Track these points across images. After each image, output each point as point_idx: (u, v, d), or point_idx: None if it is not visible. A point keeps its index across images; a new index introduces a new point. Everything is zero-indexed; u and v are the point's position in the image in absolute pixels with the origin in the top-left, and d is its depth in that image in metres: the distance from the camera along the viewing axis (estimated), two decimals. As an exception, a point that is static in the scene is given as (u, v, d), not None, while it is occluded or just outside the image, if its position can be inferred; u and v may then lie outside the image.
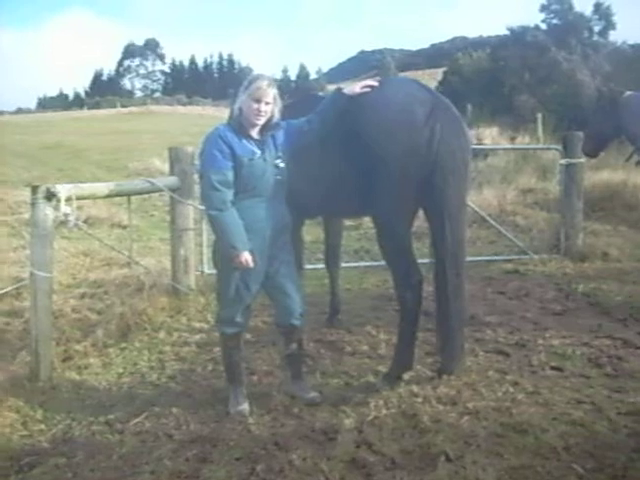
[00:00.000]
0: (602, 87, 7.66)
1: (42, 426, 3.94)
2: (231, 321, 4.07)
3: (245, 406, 4.02)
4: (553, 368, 4.63)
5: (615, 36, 40.78)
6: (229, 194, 3.81)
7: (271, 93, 3.88)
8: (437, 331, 4.44)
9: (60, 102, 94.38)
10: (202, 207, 7.36)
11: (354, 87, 4.25)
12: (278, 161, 4.00)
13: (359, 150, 4.12)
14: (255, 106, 3.83)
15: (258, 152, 3.90)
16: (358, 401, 4.07)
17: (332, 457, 3.40)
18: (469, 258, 4.41)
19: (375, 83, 4.27)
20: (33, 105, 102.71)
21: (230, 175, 3.80)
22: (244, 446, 3.58)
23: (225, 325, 4.10)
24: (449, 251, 4.19)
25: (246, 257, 3.81)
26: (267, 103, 3.87)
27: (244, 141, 3.88)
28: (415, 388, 4.25)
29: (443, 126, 4.11)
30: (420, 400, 4.08)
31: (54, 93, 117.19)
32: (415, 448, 3.48)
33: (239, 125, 3.90)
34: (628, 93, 7.18)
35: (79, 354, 5.05)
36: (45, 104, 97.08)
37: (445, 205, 4.13)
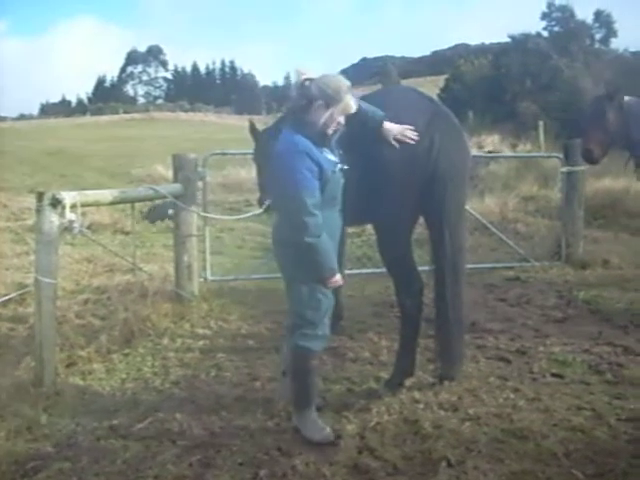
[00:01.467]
0: (609, 88, 7.49)
1: (46, 431, 3.95)
2: (317, 336, 3.74)
3: (329, 430, 3.74)
4: (554, 375, 4.66)
5: (616, 44, 40.91)
6: (321, 216, 3.52)
7: None
8: (436, 338, 4.49)
9: (63, 108, 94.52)
10: (206, 214, 7.45)
11: (396, 128, 4.04)
12: (340, 165, 3.74)
13: (360, 158, 4.16)
14: (340, 119, 3.61)
15: (337, 161, 3.70)
16: (360, 407, 4.10)
17: (335, 462, 3.43)
18: (471, 265, 4.45)
19: (414, 137, 4.07)
20: (36, 111, 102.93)
21: (319, 195, 3.52)
22: (247, 451, 3.61)
23: (311, 341, 3.72)
24: (448, 259, 4.24)
25: (338, 277, 3.67)
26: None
27: (324, 152, 3.62)
28: (417, 394, 4.28)
29: (442, 135, 4.15)
30: (422, 406, 4.11)
31: (57, 99, 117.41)
32: (417, 454, 3.51)
33: (320, 136, 3.61)
34: (628, 98, 7.18)
35: (83, 360, 5.07)
36: (48, 110, 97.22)
37: (444, 213, 4.17)
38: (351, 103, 3.61)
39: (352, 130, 4.35)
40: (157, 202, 9.79)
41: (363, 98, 4.78)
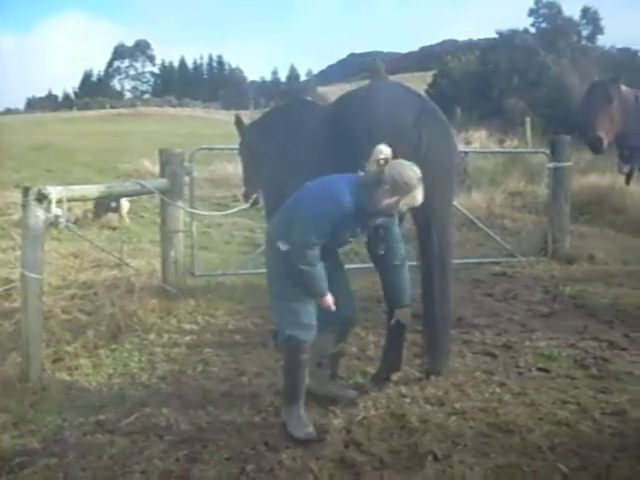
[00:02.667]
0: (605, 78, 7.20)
1: (33, 426, 3.94)
2: (303, 324, 3.75)
3: (312, 428, 3.71)
4: (539, 369, 4.70)
5: (603, 40, 41.11)
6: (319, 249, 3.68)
7: None
8: (424, 333, 4.51)
9: (49, 103, 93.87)
10: (192, 210, 7.43)
11: None
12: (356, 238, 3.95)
13: (347, 154, 4.17)
14: (403, 208, 3.69)
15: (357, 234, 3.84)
16: (347, 402, 4.10)
17: (321, 457, 3.44)
18: (458, 260, 4.48)
19: None
20: (22, 105, 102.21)
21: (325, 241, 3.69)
22: (234, 446, 3.61)
23: (297, 329, 3.74)
24: (436, 255, 4.27)
25: (329, 300, 3.77)
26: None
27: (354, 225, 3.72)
28: (403, 389, 4.31)
29: (430, 131, 4.17)
30: (408, 401, 4.13)
31: (43, 94, 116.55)
32: (403, 448, 3.52)
33: (371, 214, 3.70)
34: (625, 88, 7.01)
35: (69, 355, 5.05)
36: (34, 104, 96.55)
37: (431, 209, 4.17)
38: (418, 197, 3.62)
39: (332, 128, 4.38)
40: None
41: (349, 93, 4.81)
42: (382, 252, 3.93)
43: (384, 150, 3.62)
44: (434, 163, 4.13)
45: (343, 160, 4.19)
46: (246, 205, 6.05)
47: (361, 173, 3.65)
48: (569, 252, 8.39)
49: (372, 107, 4.29)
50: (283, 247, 3.70)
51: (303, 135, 4.79)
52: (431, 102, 4.52)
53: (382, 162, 3.58)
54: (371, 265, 4.61)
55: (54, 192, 4.71)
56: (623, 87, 6.93)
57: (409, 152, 4.07)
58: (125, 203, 11.00)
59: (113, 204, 10.78)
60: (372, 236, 3.93)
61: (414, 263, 4.59)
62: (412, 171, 3.60)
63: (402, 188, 3.56)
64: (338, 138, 4.31)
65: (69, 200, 4.92)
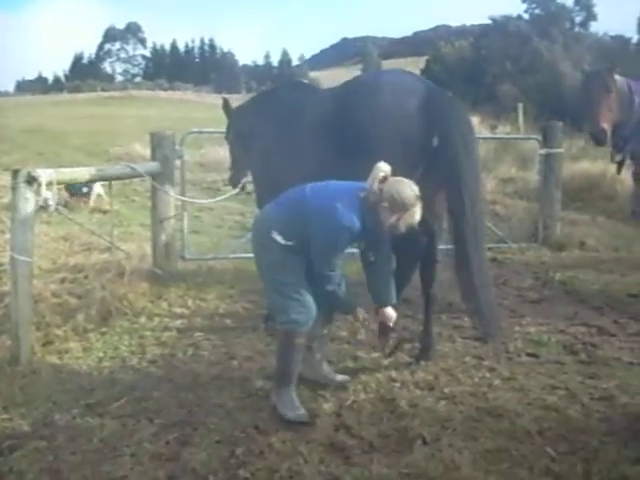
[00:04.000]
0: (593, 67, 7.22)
1: (22, 410, 3.93)
2: (307, 308, 3.77)
3: (303, 410, 3.76)
4: (529, 355, 4.72)
5: (596, 27, 41.13)
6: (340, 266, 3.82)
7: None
8: (466, 304, 4.44)
9: (39, 85, 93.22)
10: (182, 198, 7.38)
11: None
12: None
13: (351, 137, 4.17)
14: (402, 228, 3.67)
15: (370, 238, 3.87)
16: (337, 386, 4.12)
17: (311, 440, 3.46)
18: (449, 246, 4.45)
19: None
20: (11, 88, 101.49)
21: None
22: (224, 430, 3.62)
23: (301, 313, 3.75)
24: (470, 224, 4.18)
25: (359, 311, 3.99)
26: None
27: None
28: (393, 373, 4.32)
29: (443, 109, 4.21)
30: (398, 385, 4.15)
31: (33, 76, 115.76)
32: (393, 432, 3.54)
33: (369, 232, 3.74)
34: (618, 77, 7.01)
35: (59, 338, 5.04)
36: (23, 87, 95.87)
37: (463, 180, 4.15)
38: (416, 216, 3.64)
39: (336, 111, 4.38)
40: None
41: (354, 79, 4.81)
42: (373, 259, 3.98)
43: (383, 167, 3.66)
44: (457, 136, 4.12)
45: (347, 142, 4.20)
46: (235, 191, 6.00)
47: (362, 193, 3.67)
48: (560, 239, 8.41)
49: (378, 92, 4.29)
50: (282, 241, 3.71)
51: (302, 118, 4.76)
52: (435, 86, 4.51)
53: (382, 179, 3.62)
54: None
55: (44, 175, 4.68)
56: (617, 77, 6.93)
57: (414, 137, 4.08)
58: (98, 189, 10.84)
59: (85, 189, 10.62)
60: (366, 245, 3.98)
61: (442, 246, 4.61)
62: (410, 189, 3.61)
63: (400, 206, 3.58)
64: (342, 123, 4.31)
65: (59, 183, 4.89)
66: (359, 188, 3.70)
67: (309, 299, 3.77)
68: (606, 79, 6.78)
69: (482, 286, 4.28)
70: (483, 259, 4.38)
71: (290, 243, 3.71)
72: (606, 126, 6.71)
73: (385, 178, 3.64)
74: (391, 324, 4.06)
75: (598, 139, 6.92)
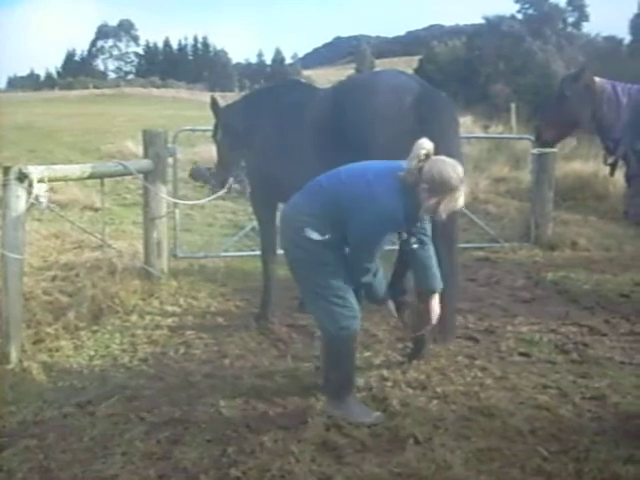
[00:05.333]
0: (571, 72, 7.43)
1: (13, 408, 3.91)
2: (353, 314, 3.60)
3: (377, 412, 3.70)
4: (521, 354, 4.73)
5: (589, 28, 41.31)
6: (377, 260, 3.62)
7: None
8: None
9: (31, 82, 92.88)
10: (173, 200, 7.34)
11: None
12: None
13: (345, 135, 4.17)
14: (443, 213, 3.38)
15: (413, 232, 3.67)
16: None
17: (303, 439, 3.44)
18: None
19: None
20: (3, 84, 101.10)
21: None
22: (216, 428, 3.61)
23: (350, 319, 3.57)
24: (439, 229, 4.08)
25: (389, 303, 3.89)
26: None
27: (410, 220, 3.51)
28: (385, 372, 4.32)
29: (432, 109, 4.21)
30: (390, 384, 4.14)
31: (25, 73, 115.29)
32: (384, 431, 3.53)
33: (411, 218, 3.48)
34: (599, 79, 7.13)
35: (50, 337, 5.00)
36: (15, 84, 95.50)
37: None
38: (459, 200, 3.34)
39: (329, 109, 4.39)
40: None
41: (349, 79, 4.82)
42: (416, 246, 3.70)
43: (425, 144, 3.37)
44: (439, 140, 4.12)
45: (341, 139, 4.21)
46: (223, 191, 5.93)
47: (401, 171, 3.41)
48: (552, 238, 8.43)
49: (371, 92, 4.30)
50: (314, 236, 3.48)
51: (300, 115, 4.76)
52: (430, 86, 4.52)
53: (423, 157, 3.33)
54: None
55: (35, 172, 4.65)
56: (597, 79, 7.00)
57: (407, 136, 4.08)
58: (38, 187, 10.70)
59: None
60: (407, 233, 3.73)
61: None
62: (453, 170, 3.30)
63: (440, 188, 3.27)
64: (339, 121, 4.32)
65: (50, 180, 4.86)
66: (399, 168, 3.42)
67: (353, 300, 3.61)
68: (565, 85, 6.89)
69: (450, 296, 4.26)
70: (455, 267, 4.39)
71: (327, 237, 3.49)
72: (543, 127, 6.82)
73: (427, 156, 3.34)
74: (436, 311, 3.85)
75: (535, 137, 7.22)
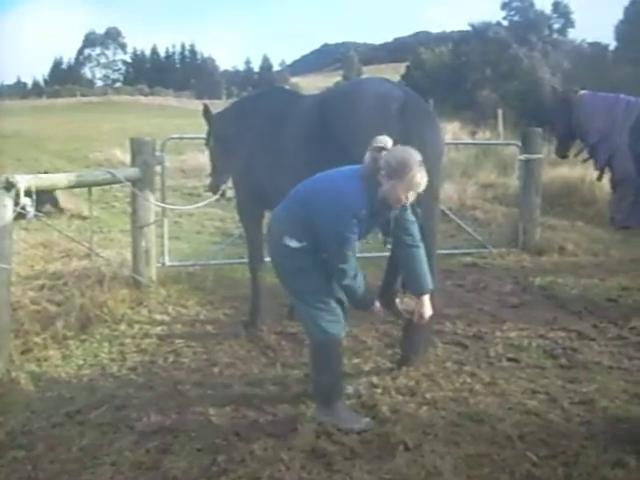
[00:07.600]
0: (555, 86, 7.74)
1: (0, 418, 3.88)
2: (337, 320, 3.67)
3: (366, 418, 3.73)
4: (509, 359, 4.74)
5: (574, 34, 41.62)
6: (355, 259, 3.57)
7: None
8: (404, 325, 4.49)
9: (18, 90, 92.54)
10: (163, 205, 7.35)
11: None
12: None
13: (330, 143, 4.18)
14: (407, 196, 3.42)
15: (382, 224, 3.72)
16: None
17: (293, 447, 3.43)
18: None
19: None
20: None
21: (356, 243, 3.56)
22: (205, 437, 3.60)
23: (334, 325, 3.64)
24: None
25: (376, 305, 3.83)
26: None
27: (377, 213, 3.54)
28: (375, 379, 4.32)
29: (415, 119, 4.20)
30: (380, 391, 4.14)
31: (12, 81, 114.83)
32: (374, 438, 3.53)
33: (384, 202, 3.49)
34: (582, 92, 7.38)
35: (38, 346, 4.98)
36: (2, 92, 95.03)
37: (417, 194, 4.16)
38: (417, 180, 3.37)
39: (315, 117, 4.41)
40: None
41: (335, 87, 4.85)
42: (389, 245, 3.83)
43: (380, 139, 3.50)
44: (420, 149, 4.14)
45: (327, 148, 4.22)
46: (215, 197, 5.96)
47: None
48: (539, 243, 8.47)
49: (356, 100, 4.31)
50: (292, 244, 3.56)
51: (285, 123, 4.77)
52: (415, 94, 4.54)
53: (377, 150, 3.45)
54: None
55: (22, 181, 4.63)
56: (582, 92, 7.32)
57: (393, 143, 4.10)
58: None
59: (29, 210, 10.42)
60: (383, 227, 3.80)
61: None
62: (407, 153, 3.39)
63: (396, 170, 3.33)
64: (323, 131, 4.33)
65: (38, 189, 4.84)
66: (360, 167, 3.53)
67: (335, 305, 3.67)
68: (564, 107, 7.52)
69: None
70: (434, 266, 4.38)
71: (304, 244, 3.55)
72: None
73: (381, 149, 3.45)
74: (429, 313, 3.85)
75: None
